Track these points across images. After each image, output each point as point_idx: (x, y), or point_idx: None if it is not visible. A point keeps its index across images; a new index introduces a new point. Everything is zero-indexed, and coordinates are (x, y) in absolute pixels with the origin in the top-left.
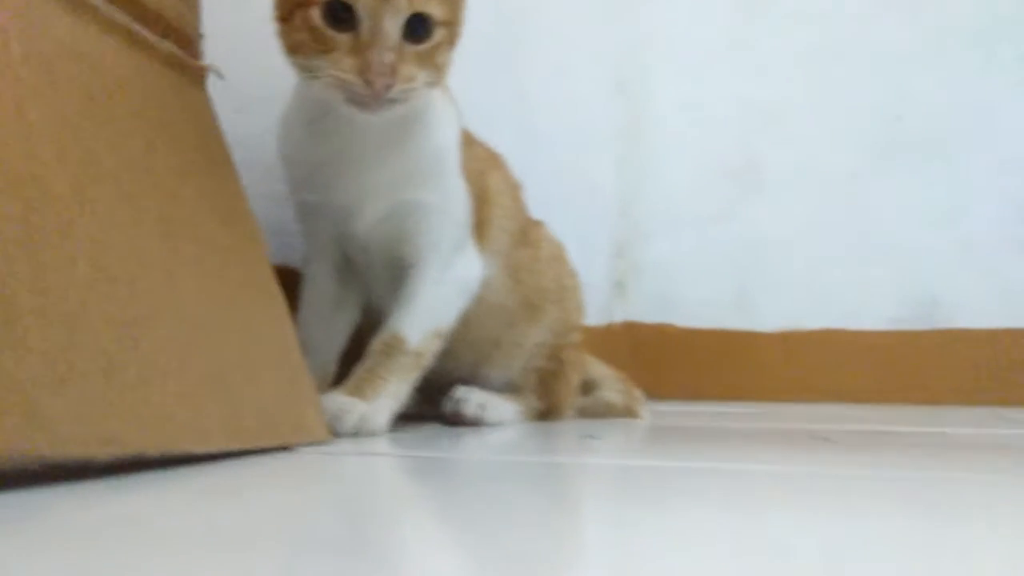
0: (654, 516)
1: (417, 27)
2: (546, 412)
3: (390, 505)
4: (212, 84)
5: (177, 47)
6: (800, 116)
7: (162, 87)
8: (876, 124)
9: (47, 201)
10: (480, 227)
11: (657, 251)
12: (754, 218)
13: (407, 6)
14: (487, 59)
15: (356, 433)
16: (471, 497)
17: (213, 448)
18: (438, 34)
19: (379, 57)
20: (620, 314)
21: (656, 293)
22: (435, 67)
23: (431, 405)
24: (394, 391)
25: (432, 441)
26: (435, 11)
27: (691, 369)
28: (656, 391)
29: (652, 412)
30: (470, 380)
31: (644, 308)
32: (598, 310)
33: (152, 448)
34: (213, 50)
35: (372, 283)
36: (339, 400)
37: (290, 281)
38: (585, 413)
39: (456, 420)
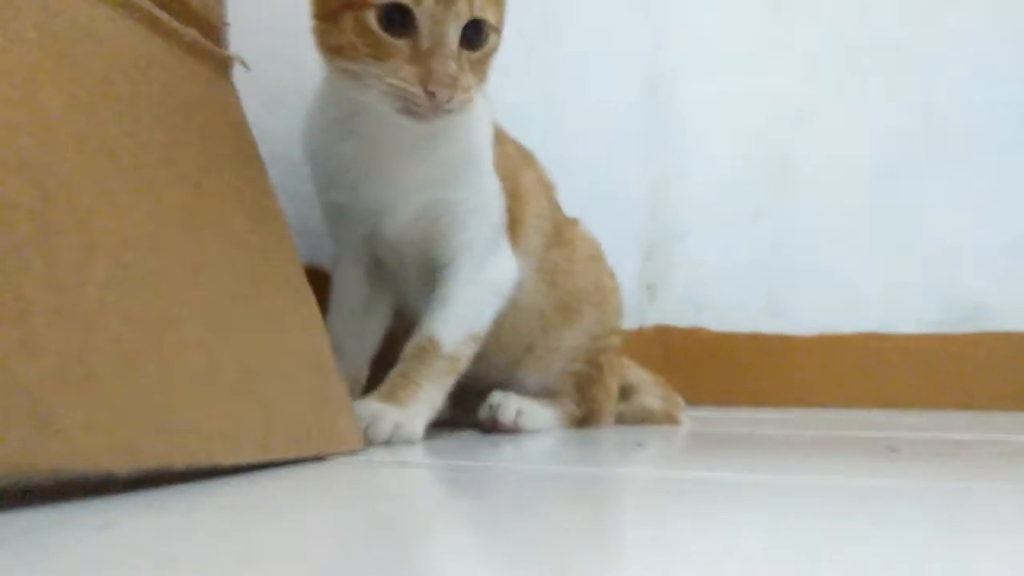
0: (709, 536)
1: (473, 34)
2: (584, 419)
3: (428, 521)
4: (237, 78)
5: (201, 35)
6: (834, 112)
7: (185, 75)
8: (914, 120)
9: (63, 190)
10: (513, 226)
11: (688, 253)
12: (787, 218)
13: (467, 11)
14: (515, 58)
15: (391, 441)
16: (512, 511)
17: (243, 460)
18: (492, 40)
19: (443, 67)
20: (651, 318)
21: (687, 296)
22: (483, 73)
23: (465, 411)
24: (429, 397)
25: (469, 450)
26: (490, 17)
27: (724, 374)
28: (689, 396)
29: (690, 418)
30: (505, 385)
31: (675, 311)
32: (628, 314)
33: (177, 461)
34: (239, 42)
35: (404, 285)
36: (372, 407)
37: (319, 283)
38: (624, 419)
39: (492, 427)
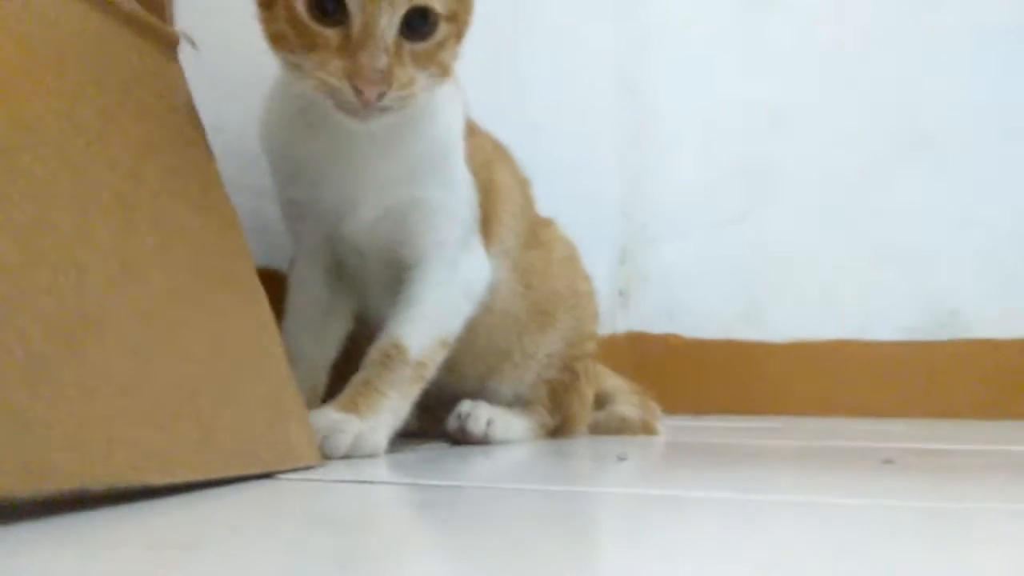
0: (704, 565)
1: (417, 22)
2: (558, 428)
3: (389, 555)
4: (191, 65)
5: (143, 8)
6: (811, 116)
7: (123, 51)
8: (891, 124)
9: None
10: (486, 224)
11: (662, 257)
12: (763, 223)
13: None
14: (485, 49)
15: (350, 455)
16: (485, 539)
17: (177, 480)
18: (442, 30)
19: (371, 60)
20: (623, 324)
21: (661, 302)
22: (439, 66)
23: (432, 421)
24: (393, 407)
25: (437, 464)
26: (437, 4)
27: (698, 382)
28: (662, 404)
29: (665, 428)
30: (476, 394)
31: (648, 318)
32: (600, 319)
33: (95, 481)
34: (193, 26)
35: (367, 287)
36: (331, 417)
37: (275, 285)
38: (599, 429)
39: (462, 438)
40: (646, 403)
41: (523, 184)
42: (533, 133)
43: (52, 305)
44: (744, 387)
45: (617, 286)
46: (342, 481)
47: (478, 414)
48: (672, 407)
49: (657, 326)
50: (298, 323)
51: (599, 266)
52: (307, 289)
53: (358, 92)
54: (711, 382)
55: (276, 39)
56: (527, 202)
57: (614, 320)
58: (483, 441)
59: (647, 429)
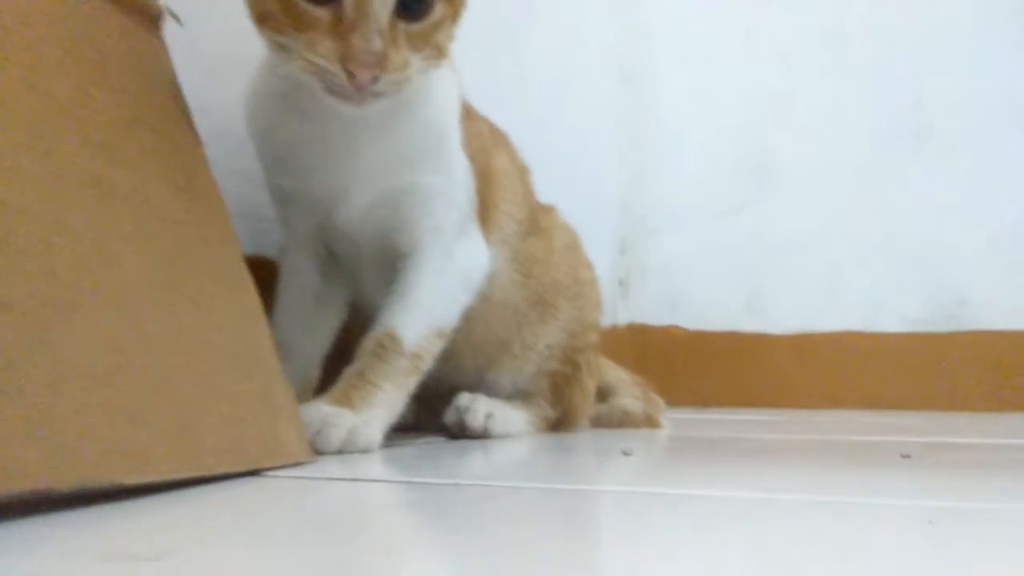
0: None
1: (412, 2)
2: (559, 422)
3: (386, 557)
4: (176, 42)
5: None
6: (814, 105)
7: (101, 24)
8: (895, 114)
9: None
10: (484, 211)
11: (663, 248)
12: (766, 213)
13: None
14: (485, 35)
15: (343, 451)
16: (485, 542)
17: (152, 479)
18: (438, 10)
19: (364, 42)
20: (624, 315)
21: (662, 293)
22: (434, 47)
23: (430, 415)
24: (388, 400)
25: (434, 460)
26: None
27: (700, 374)
28: (664, 397)
29: (669, 421)
30: (474, 386)
31: (649, 309)
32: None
33: (61, 481)
34: (180, 5)
35: (361, 276)
36: (323, 411)
37: (265, 273)
38: (600, 422)
39: (460, 432)
40: (649, 396)
41: (522, 171)
42: (533, 124)
43: (18, 291)
44: (748, 379)
45: (617, 277)
46: (334, 479)
47: (477, 407)
48: (674, 400)
49: (658, 317)
50: (289, 313)
51: (599, 256)
52: (298, 278)
53: (351, 76)
54: (714, 374)
55: (263, 18)
56: (526, 189)
57: (615, 311)
58: (482, 435)
59: (650, 422)
